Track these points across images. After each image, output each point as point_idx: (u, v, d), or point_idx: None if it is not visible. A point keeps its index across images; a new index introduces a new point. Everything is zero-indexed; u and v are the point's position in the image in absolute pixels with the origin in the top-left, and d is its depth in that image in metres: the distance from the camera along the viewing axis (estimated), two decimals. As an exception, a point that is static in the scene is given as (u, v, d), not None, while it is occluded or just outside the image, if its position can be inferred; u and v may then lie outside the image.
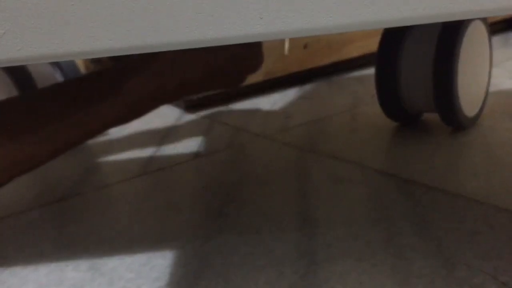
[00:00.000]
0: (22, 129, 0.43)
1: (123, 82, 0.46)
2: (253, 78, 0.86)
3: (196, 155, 0.62)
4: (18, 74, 0.65)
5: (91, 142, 0.71)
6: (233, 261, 0.39)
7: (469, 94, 0.61)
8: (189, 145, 0.66)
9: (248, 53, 0.53)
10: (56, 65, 0.67)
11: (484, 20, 0.63)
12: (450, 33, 0.57)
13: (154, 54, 0.48)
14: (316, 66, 0.93)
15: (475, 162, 0.53)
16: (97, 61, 1.00)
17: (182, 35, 0.23)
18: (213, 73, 0.51)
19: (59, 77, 0.70)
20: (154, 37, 0.23)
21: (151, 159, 0.62)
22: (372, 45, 0.97)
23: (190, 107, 0.82)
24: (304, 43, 0.90)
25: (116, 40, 0.23)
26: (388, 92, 0.62)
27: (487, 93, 0.66)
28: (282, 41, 0.88)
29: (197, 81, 0.50)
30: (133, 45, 0.24)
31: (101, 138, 0.72)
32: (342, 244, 0.40)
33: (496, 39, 1.10)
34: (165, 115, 0.80)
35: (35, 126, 0.44)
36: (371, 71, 0.95)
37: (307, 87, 0.89)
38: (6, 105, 0.46)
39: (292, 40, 0.87)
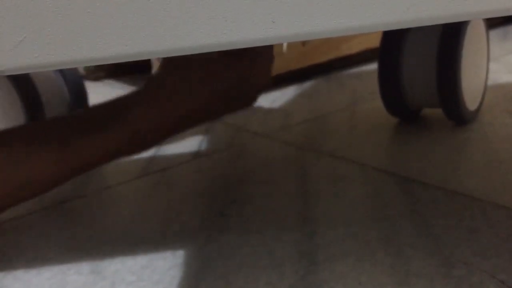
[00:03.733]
0: (26, 155, 0.43)
1: (126, 113, 0.45)
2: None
3: (196, 155, 0.63)
4: (19, 76, 0.65)
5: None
6: (234, 262, 0.40)
7: (470, 88, 0.61)
8: (189, 145, 0.66)
9: (254, 72, 0.50)
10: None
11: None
12: (453, 28, 0.57)
13: (158, 83, 0.48)
14: (315, 63, 0.93)
15: (474, 159, 0.53)
16: (99, 66, 1.00)
17: (196, 40, 0.24)
18: (220, 99, 0.48)
19: (60, 82, 0.70)
20: (169, 42, 0.24)
21: (151, 160, 0.62)
22: (370, 41, 0.98)
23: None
24: (302, 41, 0.90)
25: (131, 45, 0.24)
26: (391, 87, 0.62)
27: (485, 86, 0.66)
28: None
29: (203, 109, 0.48)
30: (148, 50, 0.24)
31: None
32: (342, 244, 0.40)
33: (495, 33, 1.10)
34: (164, 115, 0.80)
35: (40, 152, 0.44)
36: (369, 67, 0.95)
37: (306, 84, 0.90)
38: (12, 131, 0.46)
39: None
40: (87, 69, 1.12)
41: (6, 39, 0.23)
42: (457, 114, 0.60)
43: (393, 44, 0.61)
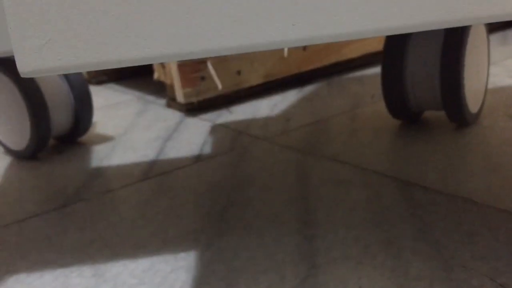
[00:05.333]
0: None
1: None
2: (253, 81, 0.87)
3: (197, 159, 0.63)
4: (24, 80, 0.65)
5: (93, 147, 0.71)
6: (235, 265, 0.40)
7: (472, 91, 0.61)
8: (191, 148, 0.66)
9: None
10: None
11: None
12: (456, 32, 0.58)
13: None
14: (316, 68, 0.94)
15: (474, 163, 0.53)
16: (101, 70, 1.00)
17: (218, 43, 0.24)
18: None
19: (65, 86, 0.70)
20: (190, 45, 0.24)
21: (153, 164, 0.63)
22: (371, 46, 0.98)
23: (191, 111, 0.83)
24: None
25: (153, 48, 0.24)
26: (394, 89, 0.63)
27: (486, 89, 0.67)
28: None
29: None
30: (169, 53, 0.24)
31: (104, 144, 0.72)
32: (342, 247, 0.41)
33: (494, 37, 1.10)
34: (166, 119, 0.81)
35: None
36: (370, 71, 0.96)
37: (307, 88, 0.90)
38: None
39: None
40: (90, 73, 1.12)
41: (31, 41, 0.23)
42: (460, 117, 0.60)
43: (397, 46, 0.62)
